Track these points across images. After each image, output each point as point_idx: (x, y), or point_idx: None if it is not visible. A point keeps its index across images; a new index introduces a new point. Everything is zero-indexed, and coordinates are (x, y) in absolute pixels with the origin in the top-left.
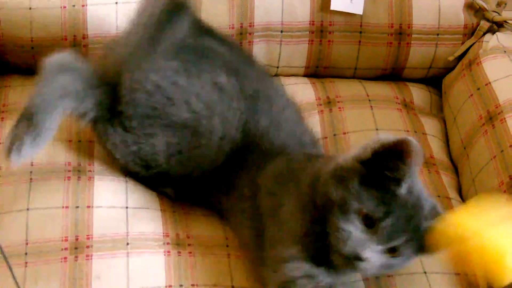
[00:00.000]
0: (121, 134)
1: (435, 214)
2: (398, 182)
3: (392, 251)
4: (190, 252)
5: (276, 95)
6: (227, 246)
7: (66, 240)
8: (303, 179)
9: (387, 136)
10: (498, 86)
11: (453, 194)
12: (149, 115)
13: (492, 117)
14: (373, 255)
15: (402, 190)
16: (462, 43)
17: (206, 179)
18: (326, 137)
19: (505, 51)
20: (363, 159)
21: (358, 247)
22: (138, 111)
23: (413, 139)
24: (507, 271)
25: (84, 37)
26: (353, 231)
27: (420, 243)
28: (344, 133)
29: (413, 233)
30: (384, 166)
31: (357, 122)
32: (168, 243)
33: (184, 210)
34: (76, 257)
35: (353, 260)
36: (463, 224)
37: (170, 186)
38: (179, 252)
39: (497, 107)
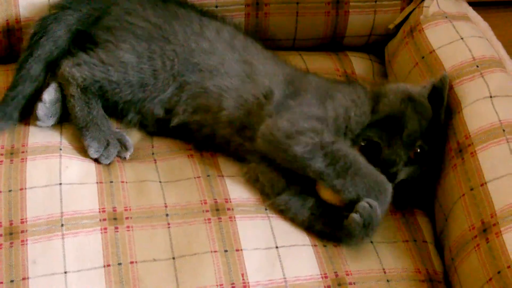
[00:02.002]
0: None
1: None
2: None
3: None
4: (128, 227)
5: None
6: (167, 215)
7: (0, 226)
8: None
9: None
10: (443, 54)
11: None
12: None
13: None
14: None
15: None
16: (402, 9)
17: None
18: None
19: (446, 17)
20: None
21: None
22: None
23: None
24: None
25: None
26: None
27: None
28: None
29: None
30: None
31: None
32: (104, 219)
33: (122, 179)
34: (12, 243)
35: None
36: None
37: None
38: (116, 228)
39: None
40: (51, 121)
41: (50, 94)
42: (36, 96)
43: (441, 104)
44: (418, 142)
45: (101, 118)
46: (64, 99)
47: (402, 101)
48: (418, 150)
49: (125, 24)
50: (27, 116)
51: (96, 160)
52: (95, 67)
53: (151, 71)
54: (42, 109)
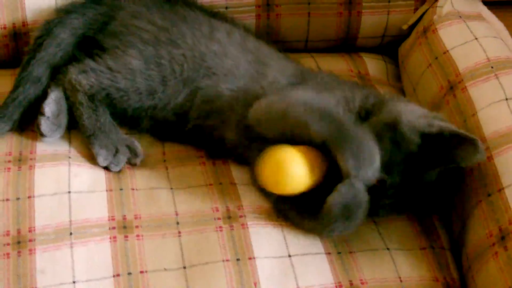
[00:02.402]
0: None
1: None
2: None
3: None
4: (138, 235)
5: None
6: (178, 223)
7: (8, 235)
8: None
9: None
10: (457, 54)
11: None
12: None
13: (453, 86)
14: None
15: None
16: (415, 9)
17: None
18: None
19: (460, 16)
20: (425, 132)
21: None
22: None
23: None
24: (289, 179)
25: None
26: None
27: None
28: None
29: None
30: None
31: None
32: (113, 228)
33: (133, 187)
34: (19, 252)
35: None
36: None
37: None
38: (125, 237)
39: (457, 76)
40: (57, 134)
41: (51, 106)
42: (39, 100)
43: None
44: (380, 174)
45: (110, 125)
46: (70, 107)
47: (385, 125)
48: (376, 182)
49: (132, 28)
50: (33, 121)
51: (106, 168)
52: (102, 74)
53: (160, 77)
54: (45, 124)
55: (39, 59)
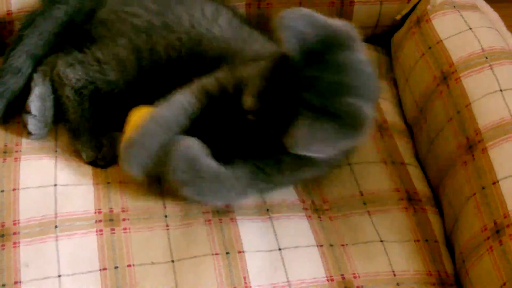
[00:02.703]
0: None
1: None
2: None
3: None
4: (125, 228)
5: None
6: (166, 216)
7: None
8: None
9: None
10: (450, 44)
11: (408, 159)
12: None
13: (447, 77)
14: None
15: None
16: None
17: None
18: None
19: (454, 6)
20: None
21: None
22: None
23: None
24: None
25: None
26: None
27: None
28: None
29: None
30: None
31: None
32: (100, 221)
33: (121, 180)
34: (3, 245)
35: None
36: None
37: None
38: (112, 230)
39: (450, 66)
40: (45, 130)
41: (35, 104)
42: (22, 91)
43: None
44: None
45: (95, 120)
46: (56, 99)
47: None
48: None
49: (122, 15)
50: (17, 112)
51: (92, 163)
52: (90, 67)
53: (154, 67)
54: (32, 122)
55: (19, 50)
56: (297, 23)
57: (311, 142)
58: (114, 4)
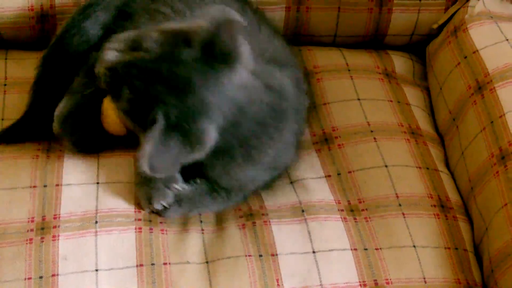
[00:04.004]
0: None
1: None
2: None
3: None
4: (162, 230)
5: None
6: (201, 222)
7: (33, 221)
8: None
9: None
10: (486, 54)
11: (441, 166)
12: None
13: (481, 86)
14: None
15: None
16: (446, 9)
17: None
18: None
19: (492, 17)
20: None
21: None
22: None
23: None
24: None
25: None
26: None
27: None
28: (325, 104)
29: None
30: None
31: (337, 93)
32: (139, 219)
33: None
34: (42, 238)
35: None
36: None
37: None
38: (151, 229)
39: (486, 76)
40: None
41: None
42: None
43: None
44: None
45: None
46: None
47: None
48: None
49: (147, 11)
50: None
51: None
52: None
53: None
54: None
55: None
56: None
57: (157, 165)
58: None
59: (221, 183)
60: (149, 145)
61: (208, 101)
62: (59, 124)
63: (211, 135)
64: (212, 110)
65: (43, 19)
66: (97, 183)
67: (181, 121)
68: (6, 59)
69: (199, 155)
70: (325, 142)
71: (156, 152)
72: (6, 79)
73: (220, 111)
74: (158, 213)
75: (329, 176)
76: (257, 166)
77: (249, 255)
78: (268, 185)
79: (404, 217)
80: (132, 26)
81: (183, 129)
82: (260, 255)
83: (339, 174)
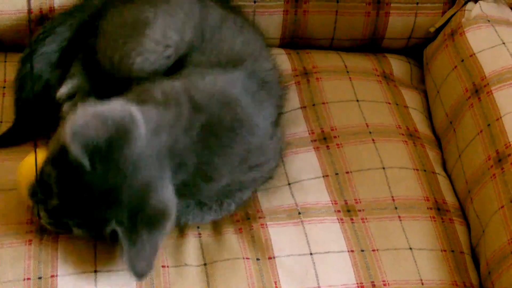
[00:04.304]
0: None
1: (143, 221)
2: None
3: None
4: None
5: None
6: (198, 227)
7: (32, 222)
8: None
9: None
10: (483, 58)
11: (438, 169)
12: None
13: (478, 89)
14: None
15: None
16: (443, 12)
17: None
18: (304, 106)
19: (489, 21)
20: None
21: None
22: None
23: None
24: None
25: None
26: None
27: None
28: (324, 103)
29: (89, 222)
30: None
31: (336, 93)
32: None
33: None
34: (42, 239)
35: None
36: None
37: None
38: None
39: (482, 79)
40: None
41: None
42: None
43: None
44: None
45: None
46: None
47: None
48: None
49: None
50: None
51: None
52: None
53: None
54: None
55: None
56: (84, 129)
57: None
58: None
59: (205, 200)
60: (128, 252)
61: (141, 180)
62: None
63: (169, 199)
64: (151, 181)
65: (42, 22)
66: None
67: (137, 216)
68: (5, 61)
69: (171, 223)
70: (324, 141)
71: (136, 254)
72: (5, 81)
73: (154, 173)
74: None
75: (327, 176)
76: (230, 174)
77: (246, 258)
78: (258, 185)
79: (400, 220)
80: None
81: (143, 220)
82: (258, 258)
83: (337, 174)
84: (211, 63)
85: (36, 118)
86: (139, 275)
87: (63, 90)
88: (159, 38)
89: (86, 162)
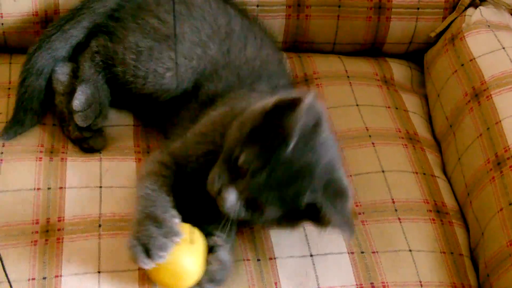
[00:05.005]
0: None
1: (335, 193)
2: (284, 140)
3: (255, 207)
4: None
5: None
6: None
7: (37, 223)
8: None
9: (291, 92)
10: (483, 62)
11: (438, 172)
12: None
13: (478, 94)
14: (230, 196)
15: (287, 150)
16: (444, 18)
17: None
18: None
19: (489, 26)
20: (266, 110)
21: (216, 185)
22: None
23: (310, 98)
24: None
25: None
26: (218, 172)
27: (294, 212)
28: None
29: (284, 197)
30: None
31: (337, 98)
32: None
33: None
34: (47, 240)
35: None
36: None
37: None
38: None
39: (482, 84)
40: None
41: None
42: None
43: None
44: (236, 150)
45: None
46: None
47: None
48: (240, 158)
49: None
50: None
51: (70, 114)
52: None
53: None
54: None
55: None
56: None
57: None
58: (132, 7)
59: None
60: (334, 217)
61: (327, 158)
62: None
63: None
64: (334, 159)
65: (48, 24)
66: (100, 187)
67: (328, 187)
68: (10, 63)
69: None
70: None
71: (341, 218)
72: (10, 83)
73: None
74: None
75: None
76: None
77: (247, 259)
78: None
79: (400, 222)
80: (120, 28)
81: (334, 191)
82: (258, 259)
83: None
84: (228, 80)
85: (37, 111)
86: (351, 232)
87: (77, 103)
88: (186, 53)
89: (294, 142)
